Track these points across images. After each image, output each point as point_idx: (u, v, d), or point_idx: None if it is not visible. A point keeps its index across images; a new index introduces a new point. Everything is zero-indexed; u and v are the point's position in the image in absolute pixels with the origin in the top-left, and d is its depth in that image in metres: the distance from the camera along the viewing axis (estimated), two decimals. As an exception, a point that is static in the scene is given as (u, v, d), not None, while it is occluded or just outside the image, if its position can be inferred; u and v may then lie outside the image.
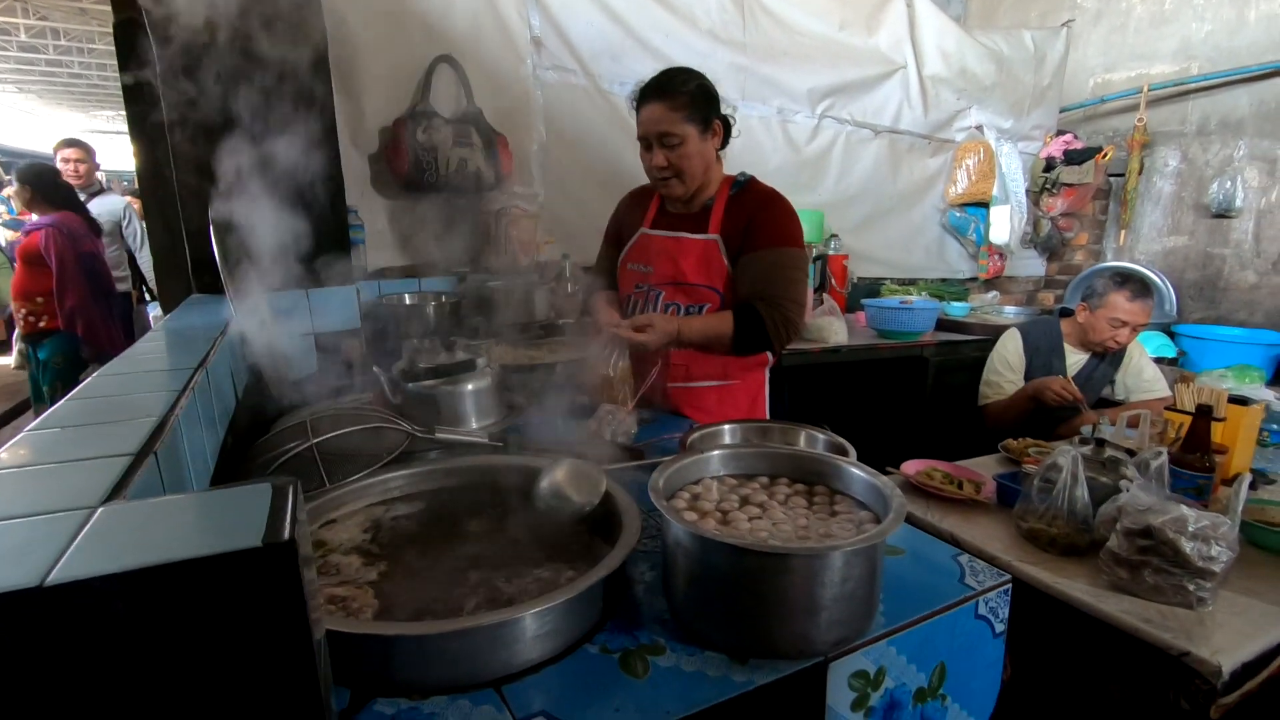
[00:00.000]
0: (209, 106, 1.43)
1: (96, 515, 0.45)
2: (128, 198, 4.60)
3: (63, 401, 0.75)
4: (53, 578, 0.36)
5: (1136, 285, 2.35)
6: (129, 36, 1.76)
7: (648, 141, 1.61)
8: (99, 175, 4.43)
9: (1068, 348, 2.54)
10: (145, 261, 4.32)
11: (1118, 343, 2.38)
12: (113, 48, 1.82)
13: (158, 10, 1.43)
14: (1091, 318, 2.42)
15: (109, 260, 3.97)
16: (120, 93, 1.84)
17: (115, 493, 0.51)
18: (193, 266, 1.57)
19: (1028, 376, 2.54)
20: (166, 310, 1.80)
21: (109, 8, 1.83)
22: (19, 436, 0.64)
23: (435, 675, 0.65)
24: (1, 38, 9.98)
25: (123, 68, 1.78)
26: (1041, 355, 2.54)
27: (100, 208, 4.07)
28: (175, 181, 1.52)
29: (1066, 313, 2.59)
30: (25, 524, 0.44)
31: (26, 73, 12.12)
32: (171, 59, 1.47)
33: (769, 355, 1.77)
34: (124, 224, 4.25)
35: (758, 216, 1.62)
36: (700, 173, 1.62)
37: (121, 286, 4.18)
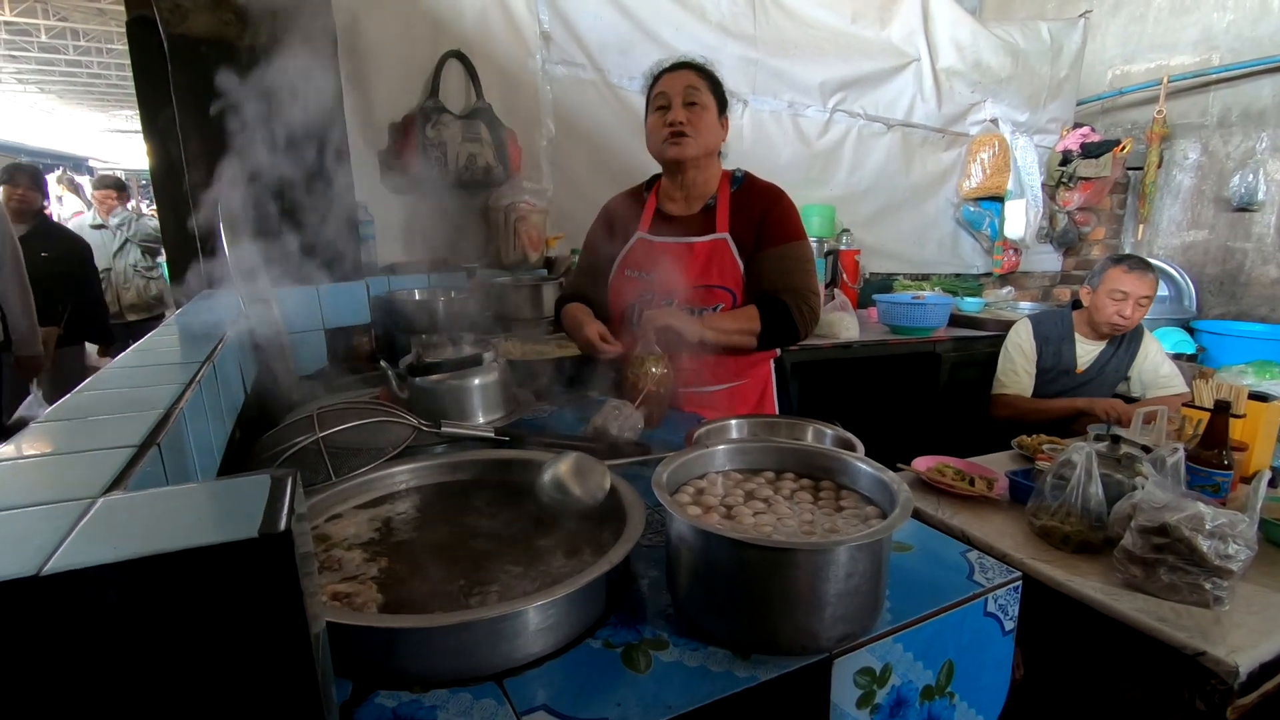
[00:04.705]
0: (219, 104, 1.44)
1: (96, 506, 0.45)
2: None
3: (72, 394, 0.76)
4: (49, 567, 0.36)
5: (1133, 260, 2.38)
6: (141, 34, 1.77)
7: (665, 99, 1.60)
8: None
9: (1079, 337, 2.55)
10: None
11: (1123, 317, 2.38)
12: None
13: (168, 7, 1.45)
14: (1094, 296, 2.45)
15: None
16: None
17: (116, 484, 0.51)
18: (204, 263, 1.58)
19: (1038, 366, 2.57)
20: (178, 306, 1.82)
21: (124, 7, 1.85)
22: (28, 428, 0.65)
23: (437, 668, 0.65)
24: (23, 39, 10.15)
25: (135, 65, 1.80)
26: (1052, 344, 2.56)
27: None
28: (186, 178, 1.53)
29: (1079, 305, 2.60)
30: (27, 514, 0.45)
31: (47, 73, 12.33)
32: (182, 56, 1.48)
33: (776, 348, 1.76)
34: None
35: (771, 213, 1.63)
36: (711, 144, 1.64)
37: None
